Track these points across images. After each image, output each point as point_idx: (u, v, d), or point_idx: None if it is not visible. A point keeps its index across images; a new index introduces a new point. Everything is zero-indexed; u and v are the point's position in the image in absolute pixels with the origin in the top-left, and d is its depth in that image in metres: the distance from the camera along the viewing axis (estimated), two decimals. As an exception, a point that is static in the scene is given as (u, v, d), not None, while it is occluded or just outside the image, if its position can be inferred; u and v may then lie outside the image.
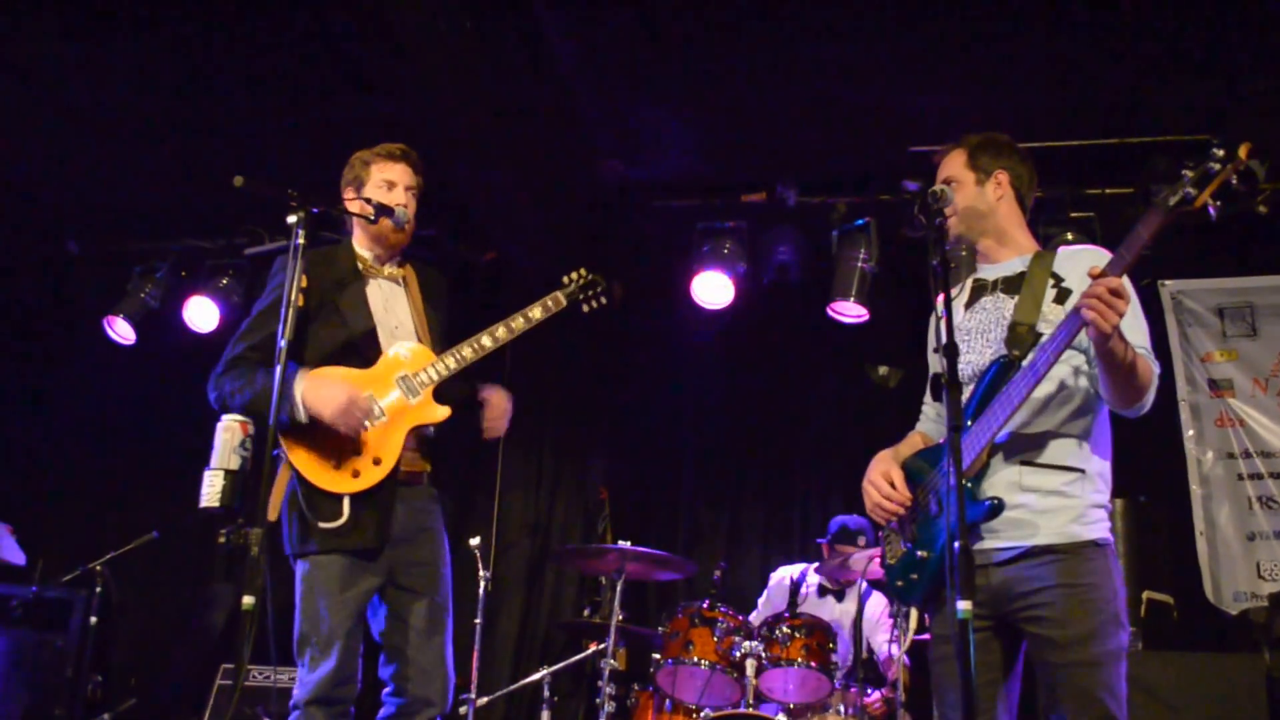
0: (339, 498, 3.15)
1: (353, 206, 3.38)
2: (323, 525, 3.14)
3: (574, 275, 3.65)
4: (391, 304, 3.44)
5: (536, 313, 3.46)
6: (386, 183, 3.45)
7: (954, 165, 3.01)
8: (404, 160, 3.51)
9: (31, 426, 7.60)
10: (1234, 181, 2.40)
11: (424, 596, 3.28)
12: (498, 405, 3.49)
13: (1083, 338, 2.61)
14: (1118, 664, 2.64)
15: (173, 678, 6.37)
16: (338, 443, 3.17)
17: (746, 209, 6.21)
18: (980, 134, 3.06)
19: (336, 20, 4.73)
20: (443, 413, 3.30)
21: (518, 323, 3.42)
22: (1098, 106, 5.32)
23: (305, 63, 5.16)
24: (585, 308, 3.67)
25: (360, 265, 3.43)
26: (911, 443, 3.16)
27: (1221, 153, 2.39)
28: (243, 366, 3.24)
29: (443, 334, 3.48)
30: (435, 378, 3.29)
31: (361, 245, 3.49)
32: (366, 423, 3.19)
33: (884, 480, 2.95)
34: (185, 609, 6.88)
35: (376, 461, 3.18)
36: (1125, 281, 2.50)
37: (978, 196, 2.97)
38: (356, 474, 3.16)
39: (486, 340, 3.36)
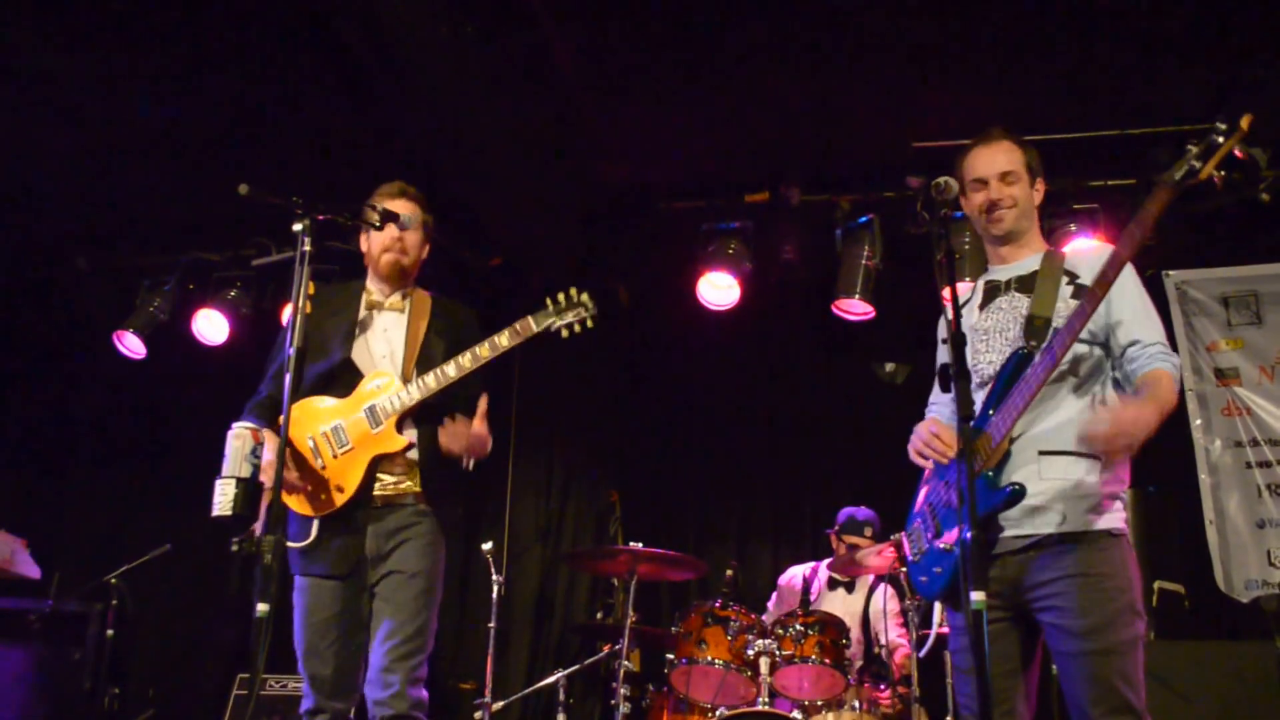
0: (309, 520, 3.32)
1: (368, 217, 3.41)
2: (291, 545, 3.28)
3: (561, 297, 3.52)
4: (390, 335, 3.53)
5: (504, 340, 3.41)
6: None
7: (1015, 160, 3.01)
8: (401, 196, 3.57)
9: (44, 441, 7.63)
10: (1238, 153, 2.48)
11: (388, 604, 3.32)
12: (450, 430, 3.44)
13: (1098, 326, 2.68)
14: (1134, 653, 2.66)
15: (190, 688, 6.39)
16: (304, 471, 3.34)
17: (750, 209, 6.22)
18: (1013, 134, 3.07)
19: (340, 32, 4.75)
20: (400, 442, 3.35)
21: (484, 351, 3.39)
22: (1099, 98, 5.33)
23: (309, 74, 5.18)
24: (565, 333, 3.50)
25: (366, 299, 3.56)
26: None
27: (1224, 126, 2.48)
28: (252, 405, 3.42)
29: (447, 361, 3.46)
30: (397, 407, 3.35)
31: (371, 281, 3.63)
32: (333, 451, 3.34)
33: (927, 431, 2.96)
34: (201, 619, 6.91)
35: (339, 489, 3.31)
36: (1129, 270, 2.55)
37: (1029, 197, 3.03)
38: (320, 499, 3.30)
39: (450, 370, 3.37)
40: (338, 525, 3.31)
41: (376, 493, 3.36)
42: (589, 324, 3.54)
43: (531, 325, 3.46)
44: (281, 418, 2.89)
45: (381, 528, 3.34)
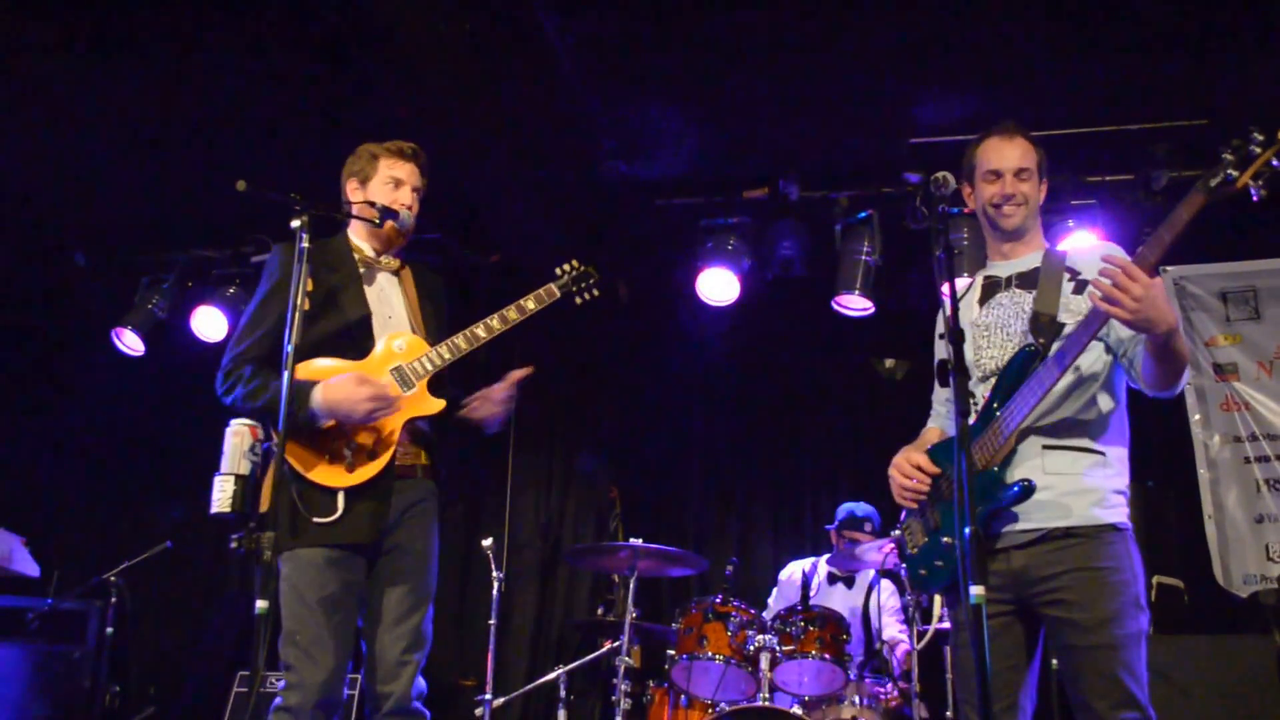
0: (334, 491, 3.09)
1: (357, 206, 3.36)
2: (316, 520, 3.05)
3: (567, 267, 3.62)
4: (387, 296, 3.40)
5: (530, 304, 3.43)
6: (393, 180, 3.41)
7: (1030, 158, 3.03)
8: (413, 160, 3.46)
9: (43, 439, 7.64)
10: (1276, 163, 2.47)
11: (397, 583, 3.18)
12: (485, 395, 3.41)
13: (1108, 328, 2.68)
14: (1138, 646, 2.67)
15: (190, 685, 6.39)
16: (332, 436, 3.12)
17: (749, 205, 6.23)
18: (1025, 131, 3.08)
19: (338, 24, 4.74)
20: (437, 404, 3.26)
21: (511, 314, 3.38)
22: (1097, 94, 5.33)
23: (307, 68, 5.17)
24: (578, 299, 3.61)
25: (357, 257, 3.39)
26: (927, 439, 3.19)
27: (1262, 136, 2.47)
28: (249, 367, 3.16)
29: (438, 329, 3.43)
30: (430, 368, 3.25)
31: (359, 238, 3.45)
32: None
33: (907, 464, 2.99)
34: (200, 616, 6.92)
35: (372, 455, 3.13)
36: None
37: (1037, 196, 3.05)
38: (351, 468, 3.11)
39: (480, 331, 3.31)
40: (364, 494, 3.11)
41: (397, 461, 3.22)
42: (595, 292, 3.65)
43: (555, 290, 3.53)
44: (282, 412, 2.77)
45: (399, 500, 3.20)
